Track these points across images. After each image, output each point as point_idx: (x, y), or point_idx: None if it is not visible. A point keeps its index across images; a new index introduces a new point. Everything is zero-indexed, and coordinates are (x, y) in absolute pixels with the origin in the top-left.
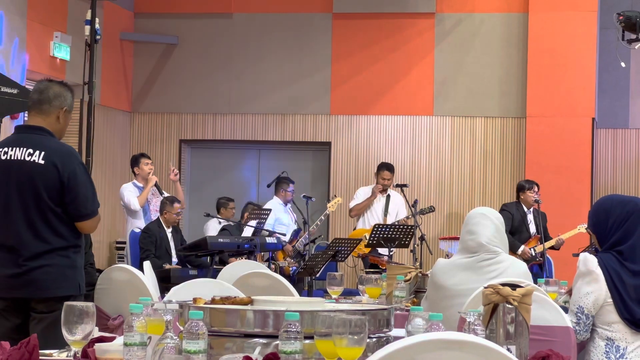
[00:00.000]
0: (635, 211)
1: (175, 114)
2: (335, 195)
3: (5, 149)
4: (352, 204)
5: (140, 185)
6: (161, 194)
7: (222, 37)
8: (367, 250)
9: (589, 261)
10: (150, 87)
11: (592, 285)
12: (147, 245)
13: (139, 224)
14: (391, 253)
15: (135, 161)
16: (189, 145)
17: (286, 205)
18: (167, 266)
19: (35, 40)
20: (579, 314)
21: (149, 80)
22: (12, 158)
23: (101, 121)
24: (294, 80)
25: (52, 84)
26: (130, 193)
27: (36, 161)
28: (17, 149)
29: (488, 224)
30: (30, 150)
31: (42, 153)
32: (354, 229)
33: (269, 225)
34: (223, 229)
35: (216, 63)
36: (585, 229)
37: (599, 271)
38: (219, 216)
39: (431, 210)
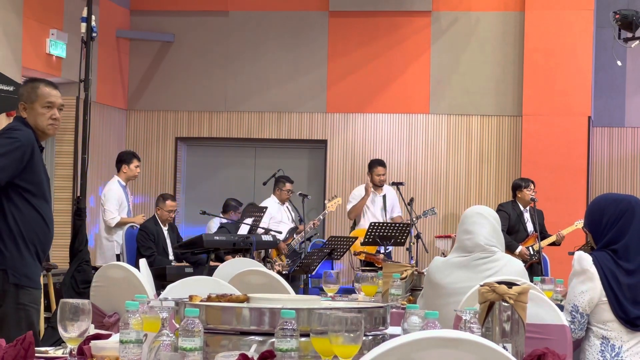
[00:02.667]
0: (629, 209)
1: (172, 111)
2: (335, 196)
3: None
4: (348, 207)
5: (124, 183)
6: (165, 194)
7: (219, 34)
8: (371, 249)
9: (584, 259)
10: (146, 85)
11: (587, 284)
12: (148, 244)
13: (106, 232)
14: (387, 251)
15: (126, 159)
16: (185, 143)
17: (283, 204)
18: (175, 263)
19: (31, 38)
20: (573, 313)
21: (145, 77)
22: None
23: (97, 119)
24: (290, 78)
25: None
26: (115, 207)
27: None
28: None
29: (485, 223)
30: None
31: None
32: (352, 228)
33: (264, 223)
34: (221, 227)
35: (212, 61)
36: (582, 227)
37: (593, 269)
38: (220, 215)
39: (433, 213)
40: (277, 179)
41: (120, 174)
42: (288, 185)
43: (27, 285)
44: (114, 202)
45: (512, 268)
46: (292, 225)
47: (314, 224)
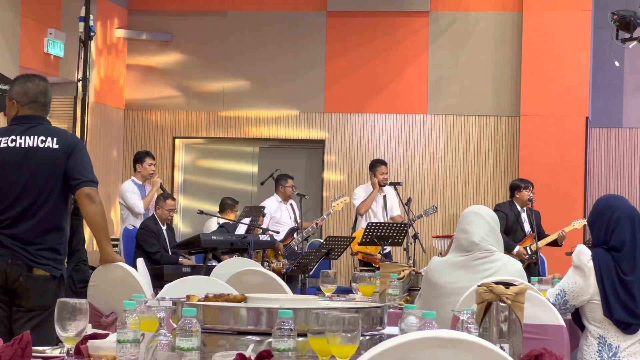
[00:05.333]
0: (623, 218)
1: (169, 111)
2: (342, 195)
3: (13, 137)
4: (357, 203)
5: (139, 182)
6: (165, 194)
7: (217, 34)
8: (372, 250)
9: (583, 254)
10: (144, 84)
11: (582, 279)
12: (151, 240)
13: (137, 222)
14: (386, 251)
15: (139, 159)
16: (183, 143)
17: (286, 202)
18: (183, 259)
19: (29, 37)
20: (559, 296)
21: (143, 77)
22: (24, 145)
23: (95, 118)
24: (288, 78)
25: (47, 84)
26: (134, 195)
27: (51, 147)
28: (27, 137)
29: (481, 222)
30: (43, 137)
31: (55, 139)
32: (353, 228)
33: (263, 223)
34: (221, 227)
35: (210, 60)
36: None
37: (590, 265)
38: (218, 215)
39: (434, 211)
40: (278, 178)
41: (136, 174)
42: (290, 182)
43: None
44: (133, 194)
45: (511, 268)
46: (294, 224)
47: (317, 223)
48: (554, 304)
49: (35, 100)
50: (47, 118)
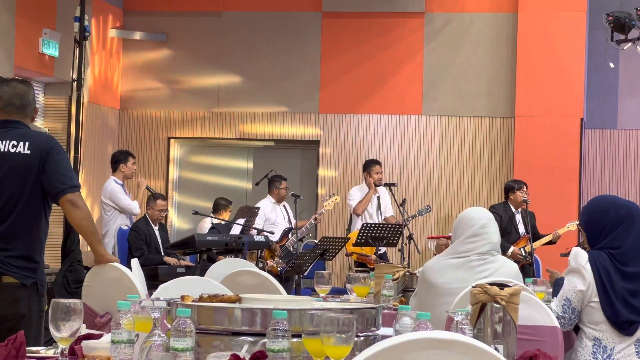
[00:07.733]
0: (629, 217)
1: (164, 111)
2: (333, 194)
3: None
4: (353, 204)
5: (121, 182)
6: (156, 194)
7: (212, 35)
8: (368, 251)
9: (580, 256)
10: (139, 85)
11: (580, 281)
12: (139, 244)
13: (123, 221)
14: (382, 252)
15: (123, 159)
16: (178, 143)
17: (280, 203)
18: (167, 258)
19: (23, 37)
20: (565, 307)
21: (138, 77)
22: None
23: (90, 118)
24: (283, 78)
25: (26, 87)
26: (126, 197)
27: (22, 152)
28: None
29: (494, 229)
30: (14, 142)
31: (27, 143)
32: (348, 229)
33: (258, 224)
34: (212, 228)
35: (205, 61)
36: (577, 224)
37: (588, 267)
38: (212, 215)
39: (428, 210)
40: (272, 179)
41: (117, 173)
42: (284, 183)
43: (44, 293)
44: (124, 195)
45: (508, 270)
46: (288, 225)
47: (315, 218)
48: (562, 317)
49: (10, 103)
50: (25, 121)
